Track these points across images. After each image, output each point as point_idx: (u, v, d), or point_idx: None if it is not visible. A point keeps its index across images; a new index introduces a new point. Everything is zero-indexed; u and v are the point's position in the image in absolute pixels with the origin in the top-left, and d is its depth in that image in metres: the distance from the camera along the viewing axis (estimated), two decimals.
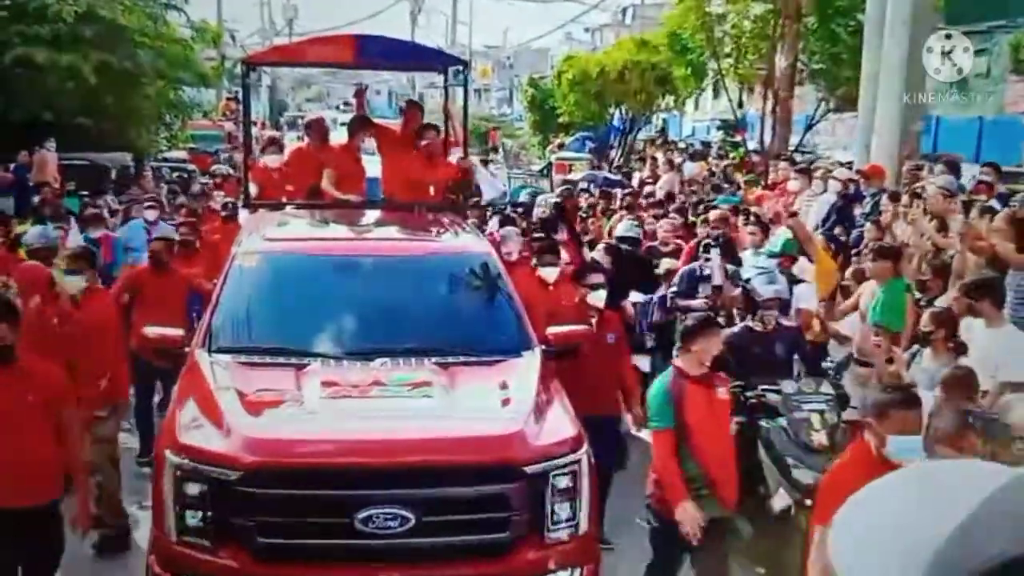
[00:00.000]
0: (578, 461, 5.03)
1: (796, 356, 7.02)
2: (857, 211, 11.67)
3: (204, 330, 6.02)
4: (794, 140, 21.73)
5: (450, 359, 5.72)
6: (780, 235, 9.49)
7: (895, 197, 10.78)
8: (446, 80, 9.84)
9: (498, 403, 5.45)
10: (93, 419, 6.57)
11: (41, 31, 18.82)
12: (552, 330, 6.32)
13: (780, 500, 5.94)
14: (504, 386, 5.62)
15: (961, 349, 6.49)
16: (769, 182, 15.76)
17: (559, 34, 54.66)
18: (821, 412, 6.24)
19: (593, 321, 6.86)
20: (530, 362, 5.87)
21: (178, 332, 6.21)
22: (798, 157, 18.76)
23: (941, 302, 7.74)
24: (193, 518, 4.78)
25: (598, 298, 7.03)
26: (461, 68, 9.49)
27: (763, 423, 6.32)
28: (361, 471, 4.83)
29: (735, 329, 6.96)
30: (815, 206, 12.01)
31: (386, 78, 50.28)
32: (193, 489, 4.79)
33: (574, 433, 5.17)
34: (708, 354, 5.47)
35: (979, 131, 19.08)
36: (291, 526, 4.78)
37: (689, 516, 5.24)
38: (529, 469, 4.86)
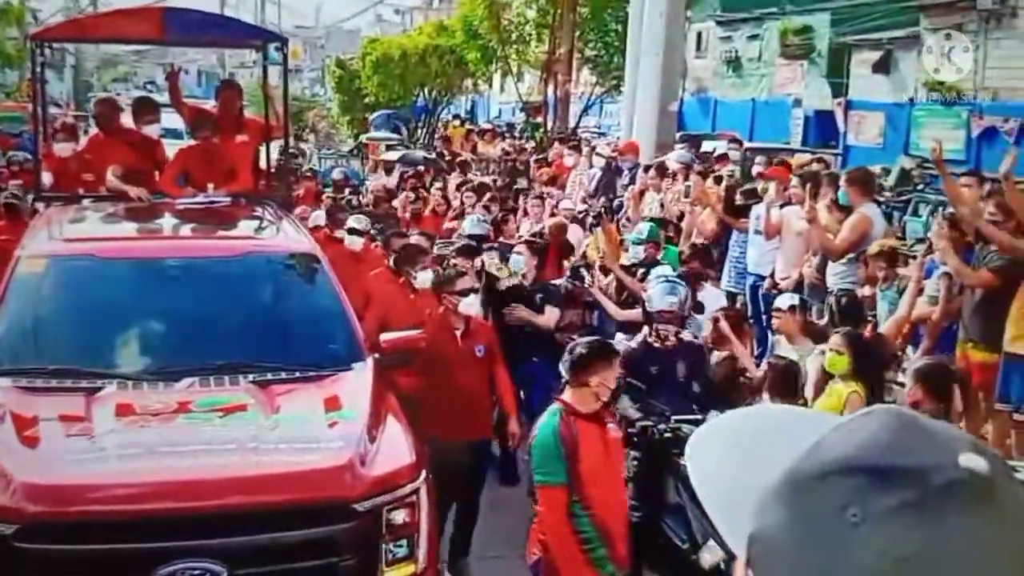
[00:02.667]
0: (416, 491, 4.08)
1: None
2: (619, 183, 11.87)
3: None
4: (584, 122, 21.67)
5: (270, 376, 4.61)
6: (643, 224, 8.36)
7: (647, 169, 11.01)
8: (265, 58, 8.47)
9: (324, 428, 4.36)
10: None
11: None
12: (386, 337, 5.28)
13: (710, 554, 4.42)
14: (331, 406, 4.54)
15: (698, 308, 6.50)
16: (549, 160, 15.37)
17: (371, 15, 52.24)
18: None
19: (458, 332, 5.59)
20: (361, 376, 4.81)
21: None
22: (585, 136, 18.50)
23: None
24: None
25: (469, 305, 5.62)
26: (280, 45, 8.06)
27: (682, 461, 4.80)
28: (160, 520, 3.75)
29: (632, 344, 5.53)
30: (584, 179, 12.20)
31: (195, 56, 46.66)
32: None
33: (411, 459, 4.22)
34: (607, 389, 4.11)
35: (752, 111, 19.19)
36: None
37: None
38: (360, 506, 3.88)
